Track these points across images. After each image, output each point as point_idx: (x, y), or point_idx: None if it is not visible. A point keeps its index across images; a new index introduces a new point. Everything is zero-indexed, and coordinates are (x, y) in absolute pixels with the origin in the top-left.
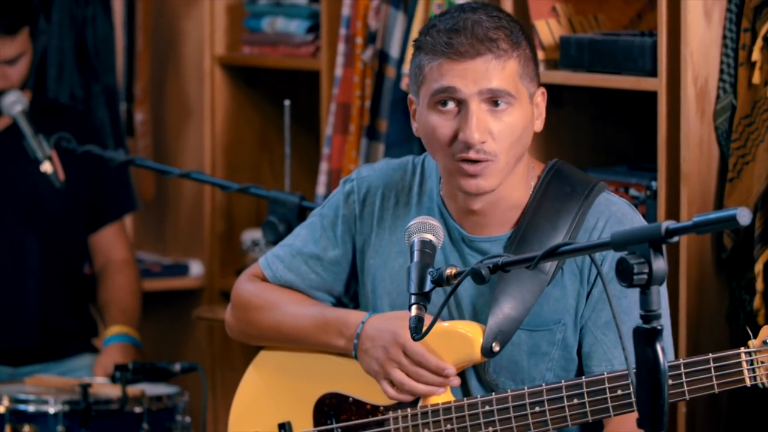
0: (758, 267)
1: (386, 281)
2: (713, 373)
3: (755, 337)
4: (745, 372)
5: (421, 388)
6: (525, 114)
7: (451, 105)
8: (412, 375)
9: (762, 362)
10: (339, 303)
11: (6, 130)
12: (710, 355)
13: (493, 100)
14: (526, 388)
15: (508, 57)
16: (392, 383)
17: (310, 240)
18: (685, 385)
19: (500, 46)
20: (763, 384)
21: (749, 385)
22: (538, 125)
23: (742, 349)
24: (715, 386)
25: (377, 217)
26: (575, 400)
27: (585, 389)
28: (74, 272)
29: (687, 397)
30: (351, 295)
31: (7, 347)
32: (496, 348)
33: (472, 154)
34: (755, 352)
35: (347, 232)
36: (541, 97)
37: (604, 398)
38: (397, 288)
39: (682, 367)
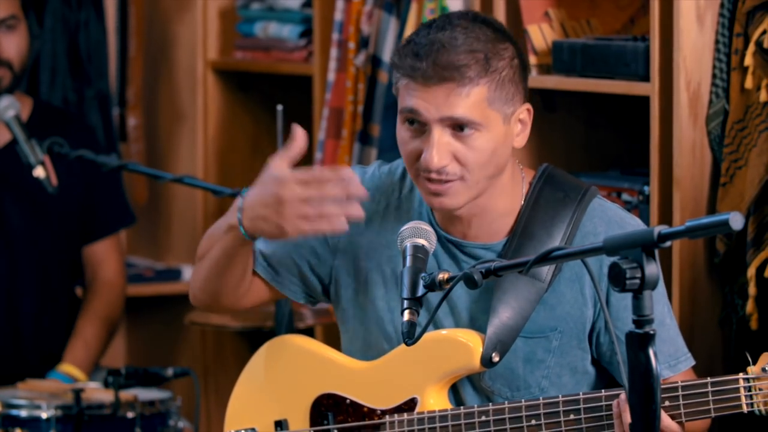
0: (751, 271)
1: (379, 284)
2: (710, 398)
3: (755, 363)
4: (743, 398)
5: (331, 208)
6: (495, 137)
7: (416, 125)
8: (317, 198)
9: (760, 389)
10: (311, 297)
11: (8, 146)
12: (708, 379)
13: (457, 125)
14: (523, 401)
15: (474, 84)
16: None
17: None
18: (682, 407)
19: (465, 74)
20: (760, 411)
21: (746, 412)
22: (519, 141)
23: (741, 375)
24: (712, 410)
25: (366, 220)
26: (572, 416)
27: (582, 405)
28: (68, 291)
29: (684, 419)
30: (325, 293)
31: (3, 373)
32: (496, 358)
33: (433, 176)
34: (754, 378)
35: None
36: (526, 114)
37: (600, 415)
38: (388, 293)
39: (679, 389)
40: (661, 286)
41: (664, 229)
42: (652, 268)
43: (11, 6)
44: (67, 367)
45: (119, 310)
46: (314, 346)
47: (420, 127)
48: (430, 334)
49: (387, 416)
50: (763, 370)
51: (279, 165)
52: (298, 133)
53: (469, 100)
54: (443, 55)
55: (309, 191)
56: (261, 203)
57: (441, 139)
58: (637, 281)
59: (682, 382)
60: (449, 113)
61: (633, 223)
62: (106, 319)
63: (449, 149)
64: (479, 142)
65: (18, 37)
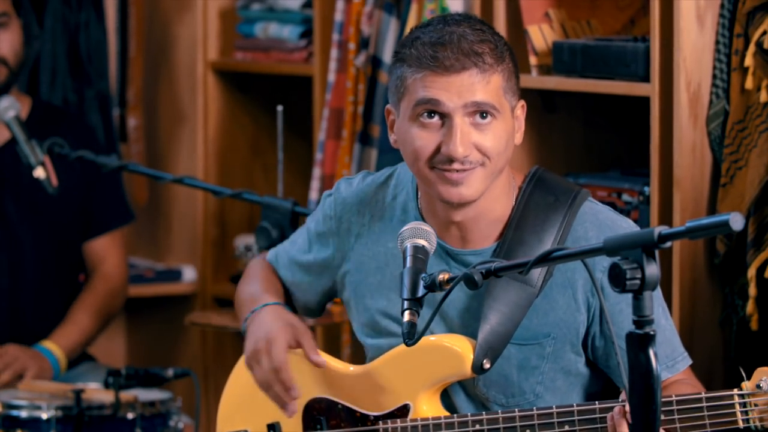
0: (751, 272)
1: (366, 297)
2: (706, 413)
3: (749, 378)
4: (738, 414)
5: (272, 395)
6: (508, 127)
7: (434, 118)
8: (263, 380)
9: (755, 405)
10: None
11: (8, 143)
12: (703, 394)
13: (478, 113)
14: (516, 410)
15: (493, 71)
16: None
17: (303, 250)
18: (677, 421)
19: (485, 61)
20: (756, 427)
21: (742, 427)
22: (518, 138)
23: (735, 391)
24: (708, 425)
25: (354, 233)
26: (566, 427)
27: (576, 417)
28: (70, 289)
29: None
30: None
31: None
32: (487, 365)
33: (456, 166)
34: (749, 394)
35: (327, 248)
36: (521, 110)
37: (594, 428)
38: (375, 303)
39: (674, 404)
40: (657, 289)
41: (664, 229)
42: (653, 269)
43: (2, 4)
44: (50, 344)
45: (116, 303)
46: None
47: (438, 120)
48: (422, 340)
49: (380, 422)
50: (758, 386)
51: (283, 343)
52: (320, 361)
53: (489, 86)
54: (464, 44)
55: (269, 373)
56: (252, 339)
57: (463, 128)
58: (638, 282)
59: (676, 396)
60: (472, 98)
61: (625, 226)
62: (100, 310)
63: (470, 139)
64: (497, 130)
65: (11, 34)
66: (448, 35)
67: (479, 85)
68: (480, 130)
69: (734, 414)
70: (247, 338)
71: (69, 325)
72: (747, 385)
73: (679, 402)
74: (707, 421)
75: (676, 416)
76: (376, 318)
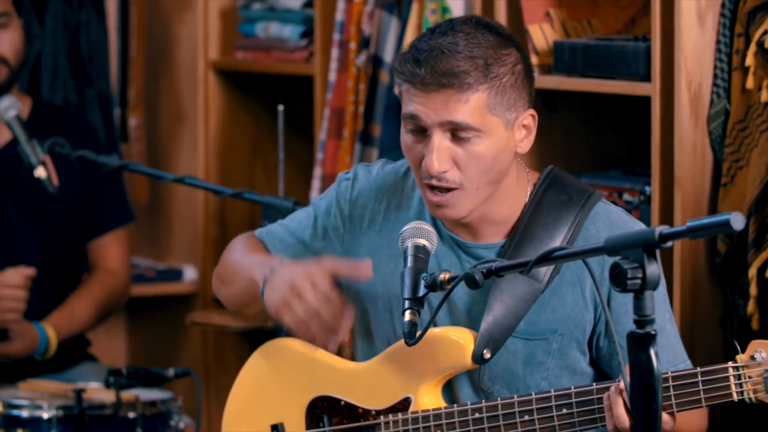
0: (752, 272)
1: (377, 285)
2: (701, 387)
3: (743, 351)
4: (733, 387)
5: (314, 329)
6: (495, 143)
7: (418, 131)
8: (305, 315)
9: (749, 377)
10: None
11: (10, 144)
12: (698, 369)
13: (456, 130)
14: (515, 396)
15: (474, 91)
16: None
17: (303, 226)
18: (673, 398)
19: (464, 80)
20: (750, 399)
21: (736, 400)
22: (523, 147)
23: (730, 364)
24: (703, 400)
25: (368, 219)
26: (564, 410)
27: (574, 399)
28: (71, 283)
29: (675, 410)
30: None
31: (5, 370)
32: (487, 355)
33: (434, 182)
34: (743, 367)
35: (334, 230)
36: (530, 120)
37: (592, 409)
38: (388, 292)
39: (670, 380)
40: (663, 294)
41: (665, 229)
42: (654, 269)
43: (2, 4)
44: (47, 326)
45: (116, 300)
46: (307, 348)
47: (421, 132)
48: None
49: (381, 416)
50: (752, 358)
51: (324, 271)
52: (367, 268)
53: (468, 105)
54: (442, 62)
55: (319, 307)
56: (286, 279)
57: (441, 144)
58: (638, 281)
59: (672, 372)
60: (448, 118)
61: (637, 228)
62: (98, 302)
63: (449, 154)
64: (480, 147)
65: (11, 34)
66: (430, 50)
67: (456, 104)
68: (461, 146)
69: (729, 387)
70: (271, 288)
71: (65, 311)
72: (741, 358)
73: (674, 378)
74: (702, 396)
75: (672, 392)
76: (387, 306)
